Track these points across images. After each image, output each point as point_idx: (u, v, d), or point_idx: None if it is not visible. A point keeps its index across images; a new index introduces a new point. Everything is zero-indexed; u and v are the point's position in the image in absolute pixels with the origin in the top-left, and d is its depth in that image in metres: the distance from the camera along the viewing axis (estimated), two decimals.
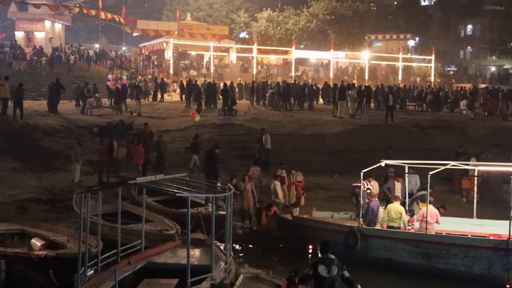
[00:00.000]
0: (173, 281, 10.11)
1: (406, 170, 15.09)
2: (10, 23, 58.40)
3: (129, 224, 14.25)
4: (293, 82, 36.82)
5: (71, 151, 19.56)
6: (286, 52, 48.83)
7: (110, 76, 38.30)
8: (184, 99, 34.66)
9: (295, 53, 47.13)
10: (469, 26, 74.07)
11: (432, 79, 50.56)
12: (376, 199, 14.57)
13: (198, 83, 37.95)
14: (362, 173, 13.90)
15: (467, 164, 16.08)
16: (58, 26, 57.32)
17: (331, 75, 46.97)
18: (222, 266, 10.24)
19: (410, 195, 15.35)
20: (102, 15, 47.93)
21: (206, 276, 9.42)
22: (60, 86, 26.55)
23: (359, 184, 14.87)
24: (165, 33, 52.02)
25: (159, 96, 35.67)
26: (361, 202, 14.54)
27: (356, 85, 34.68)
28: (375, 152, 23.14)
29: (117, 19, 49.80)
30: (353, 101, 28.54)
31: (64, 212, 16.87)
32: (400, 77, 49.07)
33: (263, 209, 15.59)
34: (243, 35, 59.21)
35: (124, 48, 60.67)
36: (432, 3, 77.99)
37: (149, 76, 42.25)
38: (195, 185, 10.88)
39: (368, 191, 14.69)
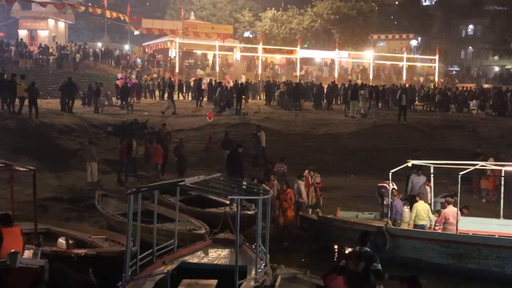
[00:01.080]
0: (212, 281, 10.06)
1: (432, 171, 15.11)
2: (13, 22, 58.23)
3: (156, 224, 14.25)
4: (298, 81, 36.84)
5: (83, 151, 19.42)
6: (291, 52, 48.93)
7: (119, 75, 38.22)
8: (189, 98, 34.83)
9: (300, 53, 47.23)
10: (470, 26, 74.32)
11: (436, 79, 50.70)
12: (399, 198, 14.65)
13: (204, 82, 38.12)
14: (390, 173, 13.89)
15: (495, 165, 16.07)
16: (62, 24, 57.17)
17: (336, 75, 47.10)
18: (261, 267, 10.23)
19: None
20: (108, 13, 47.86)
21: (252, 277, 9.39)
22: (73, 85, 26.57)
23: (385, 184, 14.91)
24: (169, 32, 52.01)
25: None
26: (387, 202, 14.58)
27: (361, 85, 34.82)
28: (390, 152, 23.38)
29: (122, 18, 49.74)
30: (365, 101, 28.63)
31: (85, 211, 16.86)
32: (404, 77, 49.23)
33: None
34: (247, 34, 59.22)
35: (126, 47, 60.60)
36: (433, 3, 78.21)
37: (155, 75, 42.24)
38: (235, 186, 10.92)
39: (394, 191, 14.72)
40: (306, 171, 17.35)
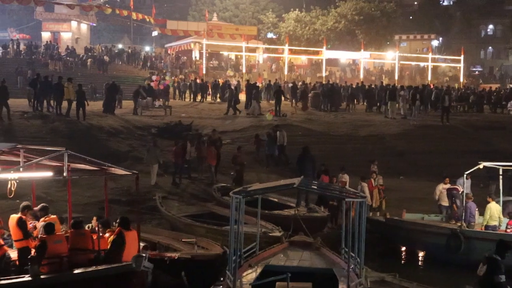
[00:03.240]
0: (307, 284, 10.02)
1: (500, 172, 15.00)
2: (36, 24, 58.50)
3: (225, 226, 14.23)
4: (332, 82, 36.76)
5: (147, 153, 19.43)
6: (317, 53, 48.90)
7: (154, 77, 38.33)
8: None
9: (326, 54, 47.17)
10: (490, 26, 73.97)
11: (461, 79, 50.54)
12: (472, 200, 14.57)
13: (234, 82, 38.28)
14: (465, 175, 13.83)
15: None
16: (84, 26, 57.37)
17: (361, 76, 47.04)
18: (353, 270, 10.16)
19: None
20: (134, 15, 48.05)
21: (357, 281, 9.35)
22: (116, 88, 26.69)
23: (456, 186, 14.87)
24: (194, 33, 52.10)
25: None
26: (459, 204, 14.55)
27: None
28: (437, 154, 23.37)
29: (148, 19, 49.89)
30: (405, 102, 28.57)
31: (146, 213, 16.87)
32: (429, 78, 49.08)
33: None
34: (270, 35, 59.24)
35: (147, 48, 60.77)
36: (451, 3, 77.93)
37: (181, 77, 42.30)
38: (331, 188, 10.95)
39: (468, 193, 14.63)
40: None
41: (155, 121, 26.37)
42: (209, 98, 37.56)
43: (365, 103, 33.23)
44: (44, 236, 8.56)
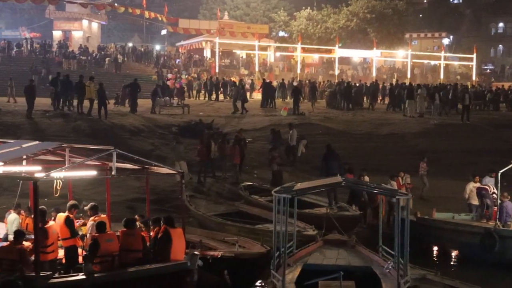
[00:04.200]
0: (349, 283, 9.99)
1: None
2: (48, 23, 58.58)
3: (257, 225, 14.23)
4: (336, 81, 36.72)
5: (172, 152, 19.47)
6: (329, 51, 48.84)
7: (170, 75, 38.36)
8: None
9: (339, 52, 47.10)
10: (500, 24, 73.70)
11: (474, 78, 50.44)
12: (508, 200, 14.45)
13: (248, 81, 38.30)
14: (499, 174, 13.73)
15: None
16: (95, 25, 57.44)
17: (374, 74, 46.95)
18: (389, 267, 10.15)
19: None
20: (146, 14, 48.10)
21: (405, 280, 9.32)
22: (138, 86, 26.70)
23: (485, 186, 14.81)
24: (205, 32, 52.11)
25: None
26: (490, 203, 14.49)
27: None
28: (459, 153, 23.29)
29: (160, 18, 49.91)
30: (422, 100, 28.53)
31: (174, 212, 16.85)
32: (442, 76, 48.97)
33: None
34: (281, 34, 59.21)
35: (157, 47, 60.74)
36: (461, 0, 77.68)
37: (194, 75, 42.31)
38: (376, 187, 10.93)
39: (494, 194, 14.56)
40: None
41: (175, 120, 26.35)
42: (221, 97, 37.53)
43: (385, 102, 33.13)
44: (96, 234, 8.57)
